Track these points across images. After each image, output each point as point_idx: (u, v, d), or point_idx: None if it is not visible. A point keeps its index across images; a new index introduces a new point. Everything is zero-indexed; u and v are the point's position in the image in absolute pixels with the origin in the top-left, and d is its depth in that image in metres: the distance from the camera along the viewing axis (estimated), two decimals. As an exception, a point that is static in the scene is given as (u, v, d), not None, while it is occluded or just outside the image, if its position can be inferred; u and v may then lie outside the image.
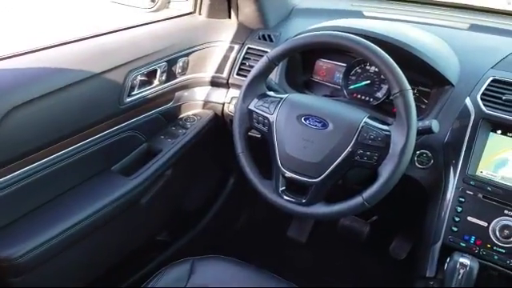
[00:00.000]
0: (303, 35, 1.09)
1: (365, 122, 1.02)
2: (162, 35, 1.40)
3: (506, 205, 1.04)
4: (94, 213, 1.17)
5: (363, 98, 1.35)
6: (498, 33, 1.35)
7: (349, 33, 1.05)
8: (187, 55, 1.42)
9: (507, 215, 1.04)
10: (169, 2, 1.58)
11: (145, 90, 1.33)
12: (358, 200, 1.01)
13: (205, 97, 1.52)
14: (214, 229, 1.82)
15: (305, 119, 1.06)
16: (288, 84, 1.35)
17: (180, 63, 1.41)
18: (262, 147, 1.14)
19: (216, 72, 1.49)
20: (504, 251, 1.03)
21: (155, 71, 1.34)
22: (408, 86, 0.97)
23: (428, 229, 1.14)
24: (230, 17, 1.56)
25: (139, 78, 1.30)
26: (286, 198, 1.09)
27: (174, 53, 1.38)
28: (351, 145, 1.01)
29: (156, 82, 1.36)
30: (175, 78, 1.42)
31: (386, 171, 0.98)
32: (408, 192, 1.24)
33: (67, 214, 1.14)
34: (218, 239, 1.89)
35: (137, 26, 1.38)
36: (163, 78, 1.37)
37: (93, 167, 1.25)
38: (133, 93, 1.29)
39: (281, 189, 1.10)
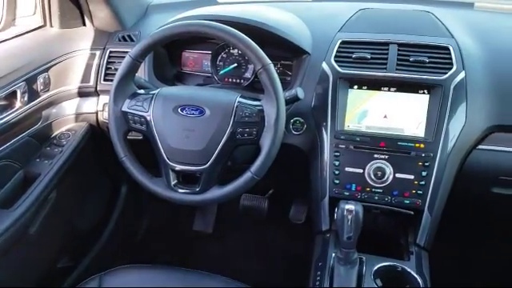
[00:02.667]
0: (161, 28, 1.10)
1: (238, 102, 1.06)
2: (13, 54, 1.31)
3: (375, 149, 1.16)
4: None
5: (234, 80, 1.40)
6: None
7: (207, 20, 1.08)
8: (46, 70, 1.34)
9: (377, 158, 1.16)
10: (14, 20, 1.48)
11: (7, 115, 1.23)
12: (247, 175, 1.06)
13: (75, 110, 1.45)
14: (117, 241, 1.77)
15: (181, 110, 1.08)
16: (158, 79, 1.35)
17: (40, 80, 1.33)
18: (146, 147, 1.14)
19: (82, 82, 1.44)
20: (381, 191, 1.16)
21: (15, 93, 1.25)
22: (269, 61, 1.03)
23: (315, 187, 1.23)
24: (84, 24, 1.51)
25: (-2, 103, 1.21)
26: (180, 191, 1.11)
27: (31, 70, 1.30)
28: (230, 125, 1.05)
29: (18, 103, 1.27)
30: (38, 96, 1.33)
31: (266, 143, 1.04)
32: (292, 159, 1.32)
33: None
34: (124, 250, 1.84)
35: (-17, 48, 1.28)
36: (25, 98, 1.28)
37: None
38: (-7, 120, 1.19)
39: (173, 183, 1.11)
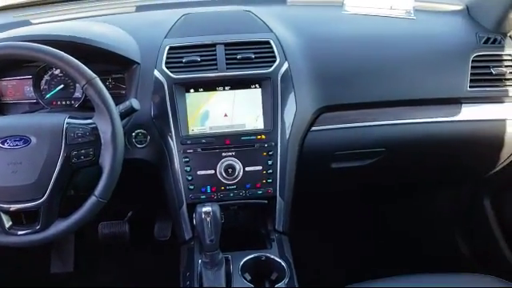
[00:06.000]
0: None
1: (67, 123, 0.99)
2: None
3: (221, 148, 1.18)
4: None
5: (64, 102, 1.30)
6: (163, 7, 1.48)
7: (20, 41, 0.99)
8: None
9: (225, 156, 1.18)
10: None
11: None
12: (92, 200, 0.98)
13: None
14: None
15: (2, 143, 0.96)
16: (-28, 115, 1.19)
17: None
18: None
19: None
20: (235, 187, 1.18)
21: None
22: (93, 75, 0.98)
23: (171, 198, 1.21)
24: None
25: None
26: (19, 233, 0.99)
27: None
28: (62, 150, 0.97)
29: None
30: None
31: (106, 162, 0.98)
32: (142, 174, 1.28)
33: None
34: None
35: None
36: None
37: None
38: None
39: (7, 226, 0.99)
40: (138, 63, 1.22)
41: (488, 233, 1.60)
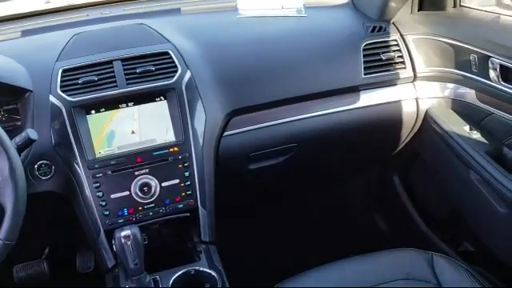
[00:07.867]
0: None
1: None
2: None
3: (133, 167, 1.14)
4: None
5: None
6: (50, 30, 1.40)
7: None
8: None
9: (139, 175, 1.14)
10: None
11: None
12: None
13: None
14: None
15: None
16: None
17: None
18: None
19: None
20: (153, 205, 1.15)
21: None
22: None
23: (87, 227, 1.15)
24: None
25: None
26: None
27: None
28: None
29: None
30: None
31: (8, 200, 0.91)
32: (51, 207, 1.21)
33: None
34: None
35: None
36: None
37: None
38: None
39: None
40: (31, 91, 1.14)
41: (402, 208, 1.70)
